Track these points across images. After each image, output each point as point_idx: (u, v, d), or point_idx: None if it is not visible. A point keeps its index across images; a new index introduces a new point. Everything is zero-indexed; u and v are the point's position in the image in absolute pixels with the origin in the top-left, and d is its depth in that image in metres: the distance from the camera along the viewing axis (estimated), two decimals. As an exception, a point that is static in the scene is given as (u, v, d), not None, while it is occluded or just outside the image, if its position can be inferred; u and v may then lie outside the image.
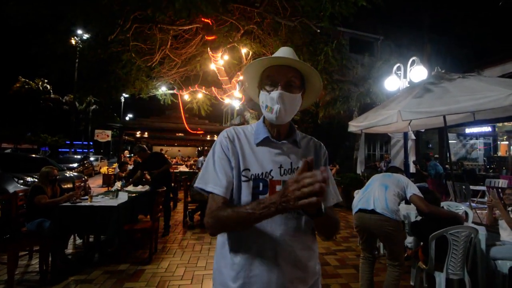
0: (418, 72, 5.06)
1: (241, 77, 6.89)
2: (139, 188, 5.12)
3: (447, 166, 6.86)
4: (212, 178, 0.98)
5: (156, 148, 19.11)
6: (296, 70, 1.02)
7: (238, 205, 0.96)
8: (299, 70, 1.03)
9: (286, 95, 0.98)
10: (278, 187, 0.98)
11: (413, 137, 5.01)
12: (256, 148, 1.04)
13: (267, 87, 1.01)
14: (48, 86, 30.05)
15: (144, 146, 5.45)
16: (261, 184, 0.98)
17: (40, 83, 29.13)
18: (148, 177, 5.38)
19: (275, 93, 0.98)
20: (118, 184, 5.17)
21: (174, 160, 16.64)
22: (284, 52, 1.04)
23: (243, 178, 0.99)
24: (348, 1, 4.44)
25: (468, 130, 14.15)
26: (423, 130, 5.96)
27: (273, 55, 1.04)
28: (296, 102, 1.03)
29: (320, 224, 0.95)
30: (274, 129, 1.06)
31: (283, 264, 0.93)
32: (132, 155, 15.81)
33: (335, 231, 1.03)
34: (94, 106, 29.80)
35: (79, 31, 6.34)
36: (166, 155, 6.79)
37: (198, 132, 15.74)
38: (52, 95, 30.39)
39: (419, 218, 3.12)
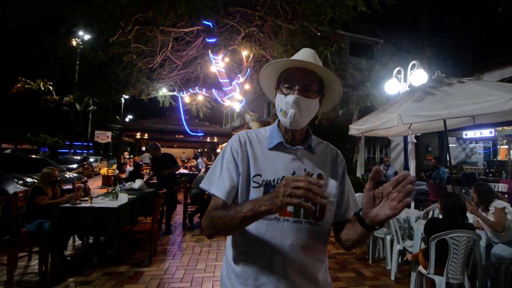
0: (418, 76, 5.08)
1: (241, 80, 6.91)
2: (145, 188, 5.23)
3: (446, 170, 6.85)
4: (217, 181, 0.97)
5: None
6: (316, 74, 0.98)
7: None
8: (319, 75, 0.99)
9: (302, 100, 0.94)
10: None
11: (414, 140, 5.02)
12: (269, 152, 1.00)
13: (284, 89, 0.98)
14: (51, 87, 30.02)
15: (158, 144, 5.47)
16: (271, 191, 0.95)
17: (41, 84, 29.10)
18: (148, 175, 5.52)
19: (290, 97, 0.94)
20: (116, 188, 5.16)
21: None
22: (305, 54, 1.00)
23: (253, 184, 0.96)
24: (348, 6, 4.46)
25: (468, 134, 14.18)
26: (419, 135, 5.99)
27: (294, 57, 1.00)
28: (312, 108, 0.98)
29: (362, 236, 0.89)
30: (288, 133, 1.02)
31: (292, 276, 0.91)
32: (132, 156, 15.83)
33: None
34: (92, 107, 29.74)
35: (80, 33, 6.35)
36: None
37: (198, 134, 15.76)
38: (54, 96, 30.39)
39: (421, 222, 3.11)
